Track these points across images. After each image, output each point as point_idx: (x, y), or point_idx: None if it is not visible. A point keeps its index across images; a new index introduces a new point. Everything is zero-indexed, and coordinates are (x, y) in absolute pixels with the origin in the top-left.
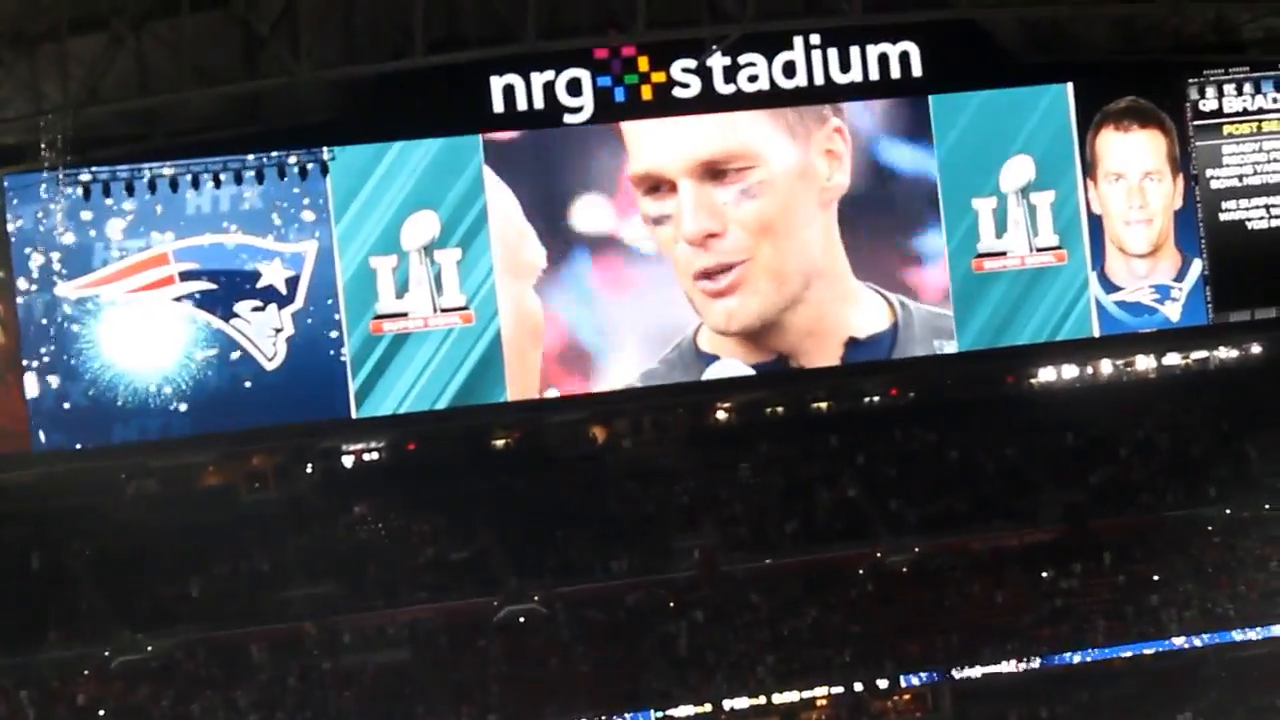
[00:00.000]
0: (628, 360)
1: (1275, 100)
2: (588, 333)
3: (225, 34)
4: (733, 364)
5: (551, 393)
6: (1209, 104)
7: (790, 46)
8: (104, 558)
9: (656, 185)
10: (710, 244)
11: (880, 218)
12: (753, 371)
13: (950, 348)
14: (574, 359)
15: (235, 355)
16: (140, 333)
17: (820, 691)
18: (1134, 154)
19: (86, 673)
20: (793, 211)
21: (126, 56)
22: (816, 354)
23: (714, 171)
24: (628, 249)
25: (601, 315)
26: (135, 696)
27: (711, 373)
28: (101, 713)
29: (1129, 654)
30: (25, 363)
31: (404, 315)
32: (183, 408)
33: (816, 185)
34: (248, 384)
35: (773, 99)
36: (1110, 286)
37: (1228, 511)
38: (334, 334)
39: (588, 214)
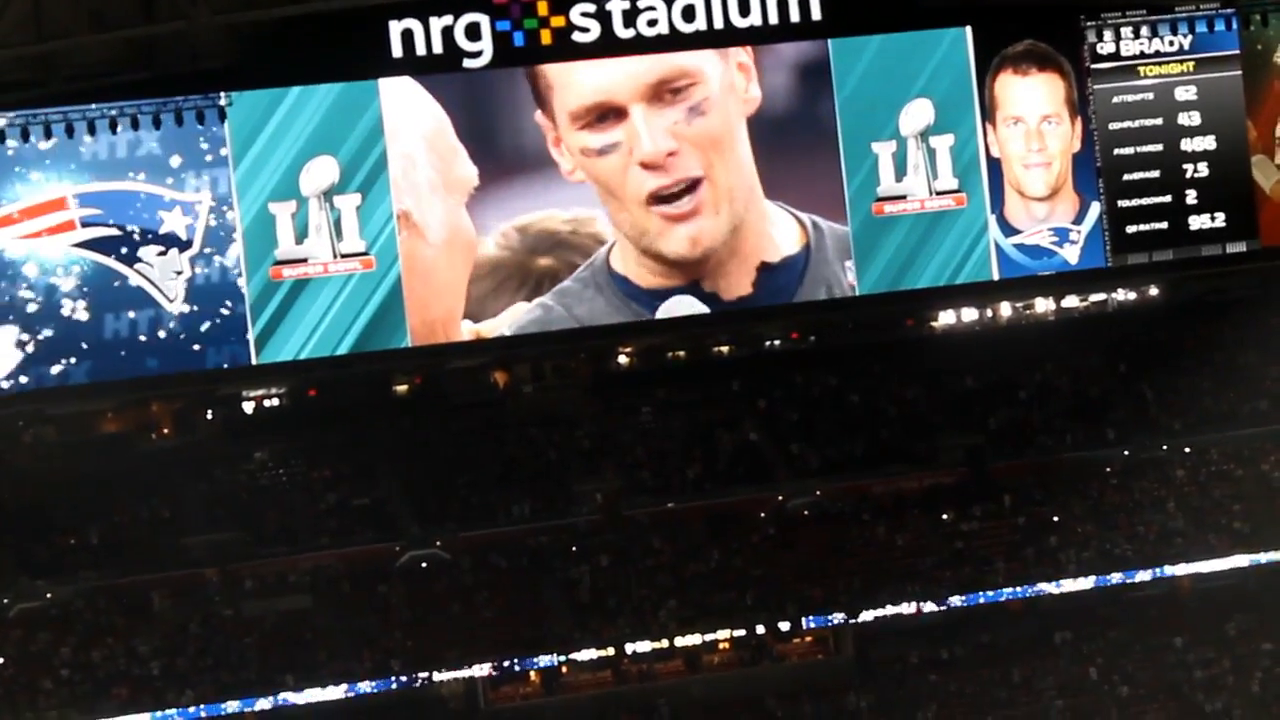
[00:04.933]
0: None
1: (1172, 44)
2: (511, 250)
3: None
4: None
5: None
6: (1106, 47)
7: None
8: (2, 505)
9: (603, 115)
10: (669, 163)
11: (789, 136)
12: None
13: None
14: (498, 276)
15: (136, 301)
16: (38, 277)
17: (722, 634)
18: (1032, 97)
19: None
20: (731, 127)
21: (22, 1)
22: (732, 279)
23: (663, 92)
24: (553, 173)
25: (524, 234)
26: (35, 644)
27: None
28: (1, 660)
29: (1028, 595)
30: None
31: (304, 261)
32: (81, 354)
33: (739, 98)
34: (147, 331)
35: (672, 43)
36: (1009, 230)
37: (1126, 453)
38: (234, 280)
39: (516, 139)
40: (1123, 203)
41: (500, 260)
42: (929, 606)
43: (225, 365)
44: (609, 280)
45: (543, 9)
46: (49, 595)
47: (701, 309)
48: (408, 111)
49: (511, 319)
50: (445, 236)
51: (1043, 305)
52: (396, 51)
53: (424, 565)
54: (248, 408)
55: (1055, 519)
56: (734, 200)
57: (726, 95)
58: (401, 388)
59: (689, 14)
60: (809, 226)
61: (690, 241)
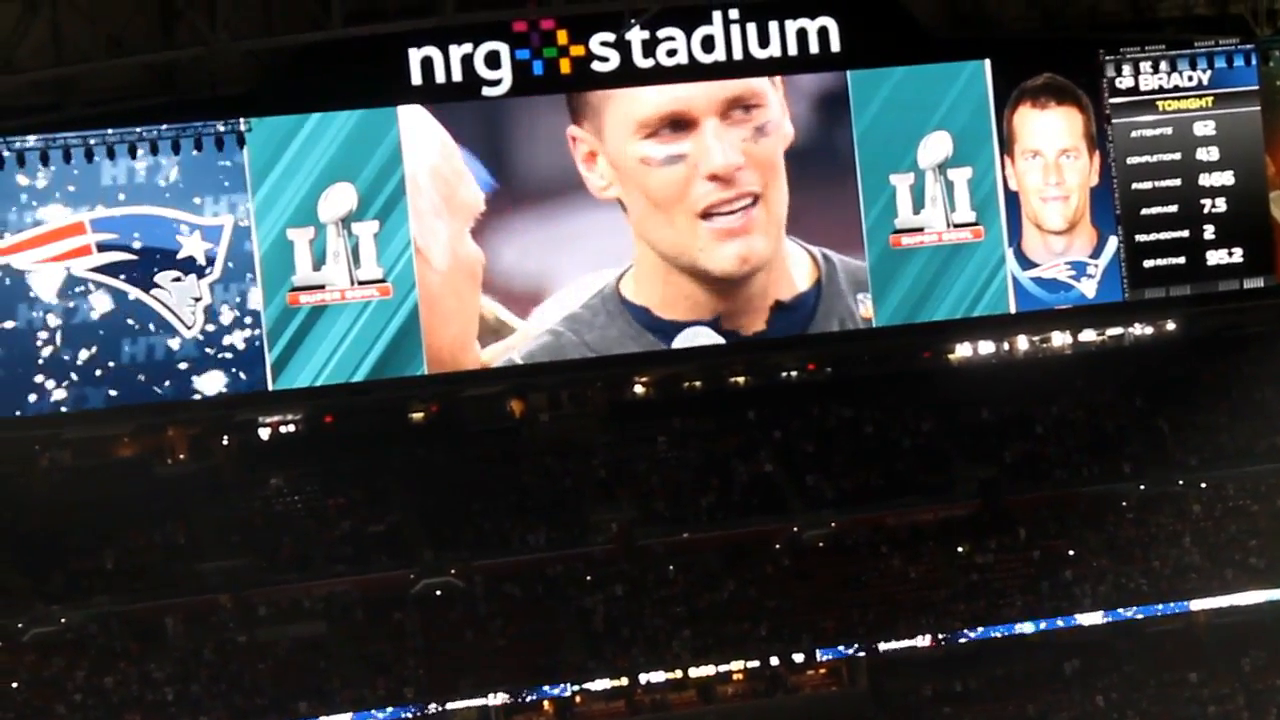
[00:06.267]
0: (553, 305)
1: (1190, 79)
2: (522, 276)
3: (141, 3)
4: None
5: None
6: (1125, 81)
7: (709, 21)
8: (17, 529)
9: (674, 123)
10: (736, 177)
11: (809, 167)
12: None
13: (871, 303)
14: (508, 301)
15: (153, 326)
16: (55, 302)
17: (736, 665)
18: (1051, 131)
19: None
20: (780, 156)
21: (41, 25)
22: (750, 316)
23: (734, 109)
24: (571, 196)
25: (536, 260)
26: (49, 668)
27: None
28: (15, 684)
29: (1043, 629)
30: None
31: (321, 288)
32: (98, 378)
33: (784, 131)
34: (164, 355)
35: (692, 73)
36: (1027, 263)
37: (1142, 487)
38: (251, 306)
39: (529, 159)
40: (1140, 237)
41: None
42: (943, 639)
43: (242, 391)
44: (621, 308)
45: (562, 38)
46: (63, 620)
47: (717, 341)
48: (415, 136)
49: (521, 344)
50: (450, 262)
51: (1059, 339)
52: (416, 79)
53: (438, 593)
54: (264, 434)
55: (1071, 553)
56: (780, 226)
57: (779, 123)
58: (417, 415)
59: (708, 44)
60: (820, 260)
61: (740, 259)
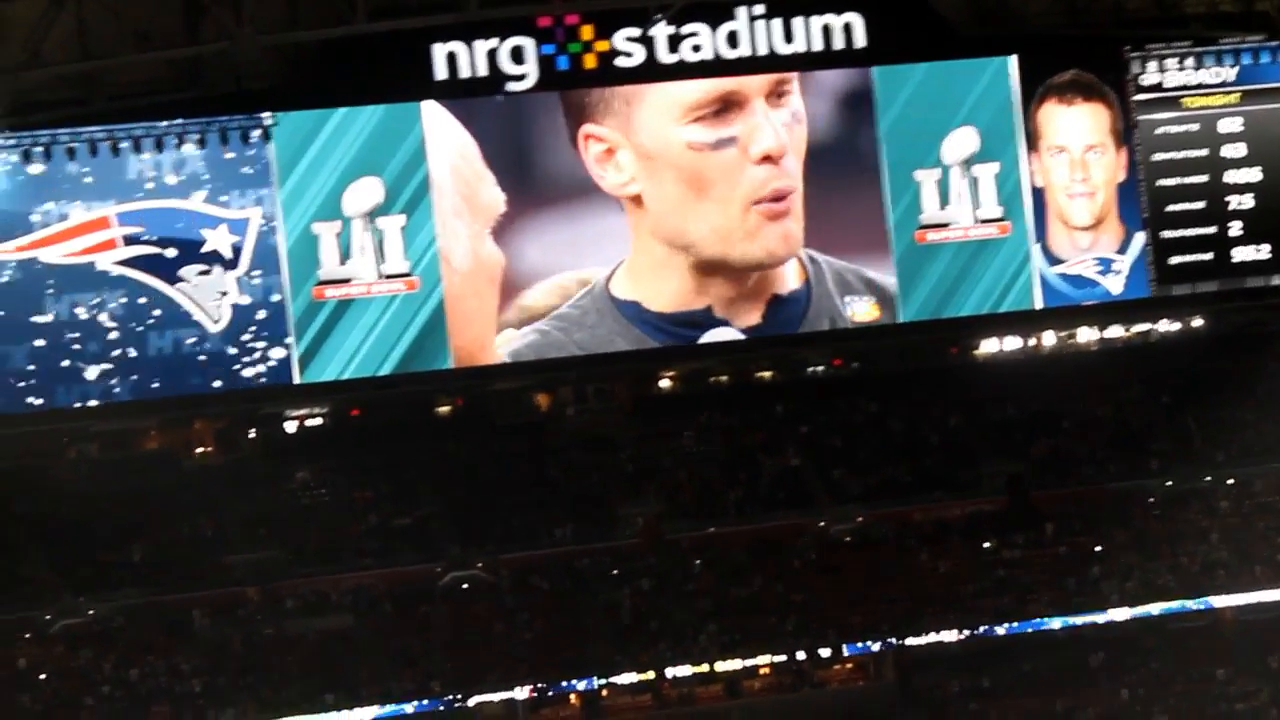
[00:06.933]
0: (544, 303)
1: (1217, 75)
2: (533, 277)
3: None
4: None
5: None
6: (1151, 78)
7: (733, 16)
8: (45, 522)
9: (726, 106)
10: (783, 164)
11: (830, 163)
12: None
13: (858, 305)
14: (517, 304)
15: (179, 320)
16: (82, 296)
17: (763, 660)
18: (1077, 127)
19: (27, 636)
20: (805, 147)
21: (67, 19)
22: (745, 309)
23: (777, 92)
24: (589, 196)
25: (557, 262)
26: (76, 660)
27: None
28: (43, 676)
29: (1070, 624)
30: None
31: (347, 281)
32: (125, 372)
33: (807, 122)
34: (191, 349)
35: (716, 69)
36: (1053, 259)
37: (1168, 483)
38: (277, 299)
39: (551, 159)
40: (1167, 234)
41: None
42: (970, 634)
43: (268, 384)
44: (611, 305)
45: (587, 33)
46: (91, 612)
47: (718, 338)
48: (436, 136)
49: (505, 344)
50: (470, 264)
51: (1086, 335)
52: (441, 74)
53: (465, 586)
54: (290, 427)
55: (1098, 548)
56: (802, 218)
57: (804, 112)
58: (444, 409)
59: (733, 40)
60: (807, 262)
61: (783, 237)
